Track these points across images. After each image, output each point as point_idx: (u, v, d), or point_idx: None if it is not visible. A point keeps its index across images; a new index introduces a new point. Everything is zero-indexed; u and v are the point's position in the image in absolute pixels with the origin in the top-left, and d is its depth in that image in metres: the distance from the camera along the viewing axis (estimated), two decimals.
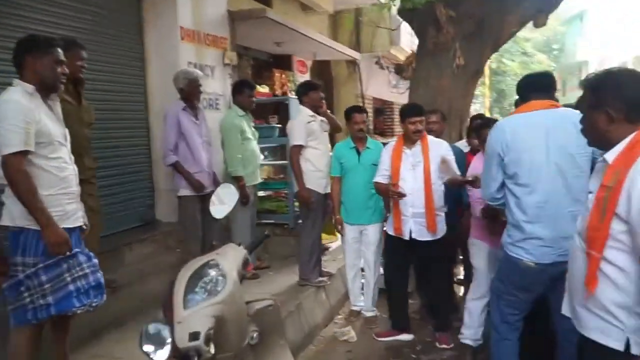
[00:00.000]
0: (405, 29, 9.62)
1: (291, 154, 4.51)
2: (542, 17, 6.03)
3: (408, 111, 3.80)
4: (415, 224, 3.70)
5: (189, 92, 4.19)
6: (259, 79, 7.41)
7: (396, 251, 3.90)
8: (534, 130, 2.52)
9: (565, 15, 25.23)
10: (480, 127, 3.67)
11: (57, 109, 2.61)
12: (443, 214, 3.78)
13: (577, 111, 2.02)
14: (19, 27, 3.56)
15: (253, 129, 4.99)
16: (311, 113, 4.49)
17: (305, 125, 4.44)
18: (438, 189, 3.71)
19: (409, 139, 3.76)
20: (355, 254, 4.39)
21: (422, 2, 5.36)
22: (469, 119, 5.29)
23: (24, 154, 2.32)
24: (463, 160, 4.05)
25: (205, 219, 4.26)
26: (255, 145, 4.91)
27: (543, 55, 26.62)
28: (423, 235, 3.71)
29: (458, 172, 3.68)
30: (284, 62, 8.19)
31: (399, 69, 6.86)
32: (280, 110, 7.69)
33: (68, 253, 2.44)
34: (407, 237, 3.73)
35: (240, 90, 4.81)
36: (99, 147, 4.10)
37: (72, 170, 2.59)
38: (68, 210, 2.52)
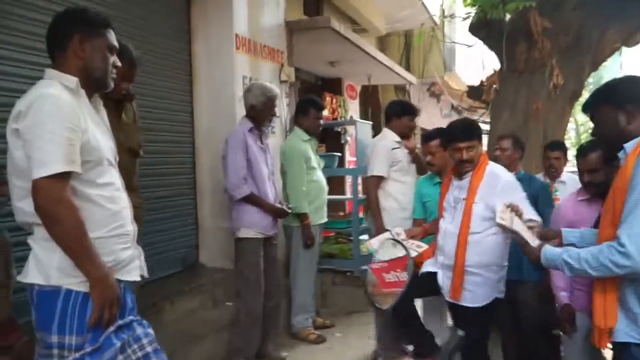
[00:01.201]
0: (461, 54, 8.88)
1: (368, 187, 3.72)
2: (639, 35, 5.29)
3: (451, 135, 2.72)
4: (443, 276, 2.72)
5: (263, 112, 3.37)
6: None
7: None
8: None
9: None
10: (584, 151, 2.48)
11: (103, 113, 1.80)
12: (492, 275, 2.62)
13: None
14: None
15: (318, 157, 4.18)
16: (398, 138, 3.68)
17: (389, 152, 3.62)
18: (483, 239, 2.58)
19: (457, 169, 2.75)
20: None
21: (514, 8, 4.55)
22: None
23: (67, 176, 1.52)
24: (548, 198, 3.22)
25: (267, 266, 3.41)
26: (321, 176, 4.10)
27: None
28: (447, 294, 2.70)
29: (535, 218, 2.40)
30: (333, 86, 7.50)
31: (475, 91, 5.99)
32: (327, 139, 6.92)
33: (110, 328, 1.60)
34: (425, 270, 2.80)
35: (306, 111, 4.04)
36: None
37: (126, 202, 1.77)
38: (122, 258, 1.70)
